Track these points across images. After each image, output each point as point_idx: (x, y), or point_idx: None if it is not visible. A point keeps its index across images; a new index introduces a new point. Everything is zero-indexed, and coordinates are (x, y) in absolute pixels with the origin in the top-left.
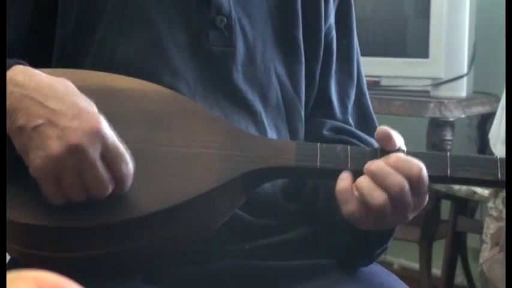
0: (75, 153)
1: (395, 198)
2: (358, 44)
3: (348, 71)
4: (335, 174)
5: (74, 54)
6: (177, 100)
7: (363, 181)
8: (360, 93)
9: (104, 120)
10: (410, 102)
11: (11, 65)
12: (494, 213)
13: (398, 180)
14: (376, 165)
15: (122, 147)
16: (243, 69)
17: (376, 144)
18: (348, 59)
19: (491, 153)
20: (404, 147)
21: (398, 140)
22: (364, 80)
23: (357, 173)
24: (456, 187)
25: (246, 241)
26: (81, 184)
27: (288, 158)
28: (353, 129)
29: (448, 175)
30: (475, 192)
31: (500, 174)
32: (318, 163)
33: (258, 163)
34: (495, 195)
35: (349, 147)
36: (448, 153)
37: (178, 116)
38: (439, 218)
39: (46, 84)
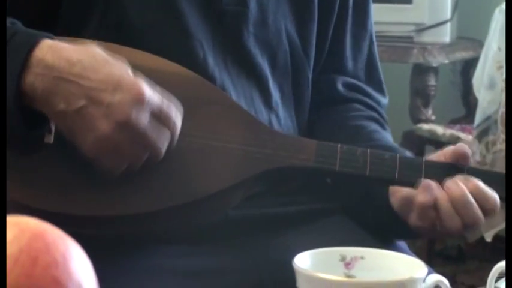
0: (126, 127)
1: (468, 226)
2: None
3: (362, 21)
4: (353, 177)
5: (82, 6)
6: (201, 85)
7: (445, 205)
8: (370, 43)
9: (143, 82)
10: (393, 48)
11: (38, 40)
12: (478, 158)
13: (477, 215)
14: (460, 192)
15: (166, 104)
16: (254, 29)
17: (382, 100)
18: (364, 8)
19: (475, 98)
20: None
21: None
22: (373, 27)
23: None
24: (440, 132)
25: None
26: (136, 152)
27: (307, 159)
28: (363, 86)
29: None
30: (458, 137)
31: None
32: (337, 166)
33: (276, 162)
34: (479, 140)
35: (369, 151)
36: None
37: (202, 104)
38: None
39: (76, 60)
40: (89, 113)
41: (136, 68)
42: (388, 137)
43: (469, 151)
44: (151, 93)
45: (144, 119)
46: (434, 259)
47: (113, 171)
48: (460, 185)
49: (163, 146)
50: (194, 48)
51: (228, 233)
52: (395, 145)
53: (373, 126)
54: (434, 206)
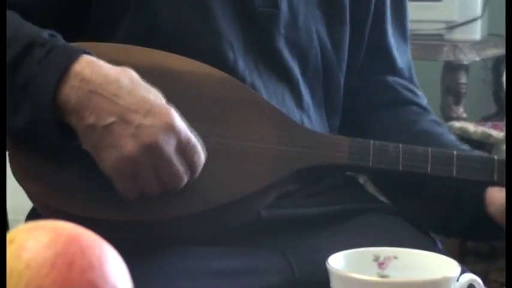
0: (151, 151)
1: None
2: None
3: (401, 21)
4: (387, 172)
5: (113, 8)
6: (233, 86)
7: None
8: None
9: (175, 113)
10: (424, 46)
11: (78, 55)
12: None
13: None
14: None
15: (193, 139)
16: (285, 31)
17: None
18: (402, 7)
19: None
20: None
21: None
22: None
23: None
24: (471, 129)
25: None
26: (156, 179)
27: (341, 157)
28: (411, 86)
29: (495, 180)
30: (490, 135)
31: None
32: (370, 163)
33: (311, 160)
34: None
35: (400, 146)
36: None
37: (235, 105)
38: None
39: (113, 78)
40: (117, 130)
41: (168, 70)
42: (454, 138)
43: None
44: (182, 124)
45: (170, 146)
46: (466, 257)
47: (127, 194)
48: None
49: (183, 179)
50: (224, 50)
51: (260, 233)
52: (466, 147)
53: (439, 129)
54: None
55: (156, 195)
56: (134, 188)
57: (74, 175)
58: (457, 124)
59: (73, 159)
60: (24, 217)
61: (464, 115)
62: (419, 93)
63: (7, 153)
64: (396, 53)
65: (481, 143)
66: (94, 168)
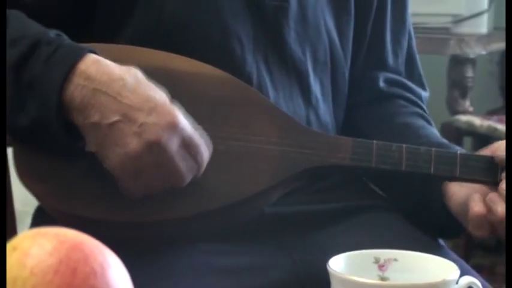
0: (154, 149)
1: None
2: None
3: (401, 17)
4: (390, 172)
5: (122, 5)
6: (236, 86)
7: (500, 209)
8: (409, 38)
9: (179, 112)
10: (430, 40)
11: (83, 54)
12: None
13: None
14: None
15: (197, 137)
16: (294, 25)
17: (423, 94)
18: (403, 3)
19: None
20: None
21: None
22: (411, 21)
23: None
24: (477, 123)
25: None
26: (160, 177)
27: (344, 157)
28: (404, 80)
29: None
30: (495, 129)
31: None
32: (373, 163)
33: (314, 161)
34: None
35: (404, 146)
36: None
37: (238, 106)
38: None
39: (118, 77)
40: (121, 128)
41: (171, 71)
42: (435, 132)
43: None
44: (185, 123)
45: (173, 144)
46: (473, 251)
47: (133, 192)
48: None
49: (187, 177)
50: (232, 44)
51: (264, 231)
52: (445, 141)
53: (420, 122)
54: (490, 214)
55: (159, 194)
56: (138, 186)
57: (78, 177)
58: (463, 118)
59: (77, 161)
60: (32, 209)
61: (471, 109)
62: (416, 87)
63: (12, 155)
64: (390, 48)
65: (487, 137)
66: (98, 169)
